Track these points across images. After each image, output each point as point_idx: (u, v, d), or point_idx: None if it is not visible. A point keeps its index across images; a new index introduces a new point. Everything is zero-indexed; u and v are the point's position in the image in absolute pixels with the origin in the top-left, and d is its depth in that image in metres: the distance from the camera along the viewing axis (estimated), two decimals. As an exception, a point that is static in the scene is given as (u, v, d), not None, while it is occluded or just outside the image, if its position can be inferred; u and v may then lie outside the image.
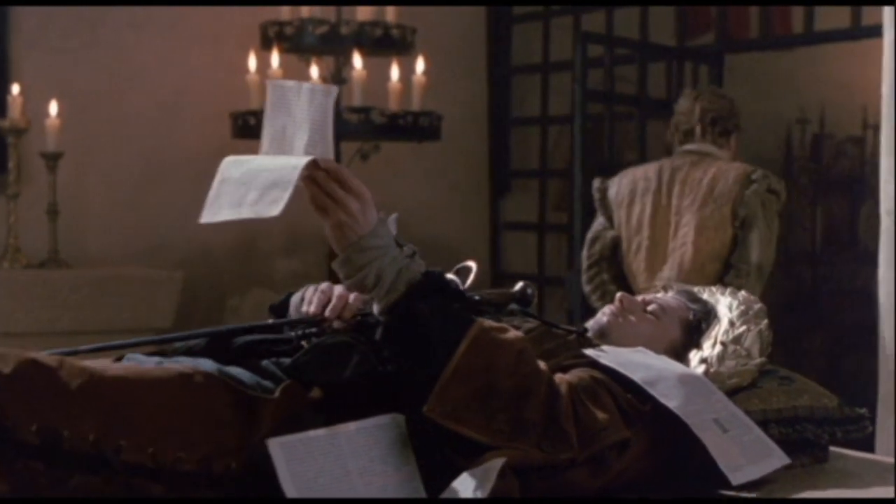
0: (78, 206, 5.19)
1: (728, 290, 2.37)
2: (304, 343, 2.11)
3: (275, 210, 1.87)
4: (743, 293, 2.36)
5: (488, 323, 1.98)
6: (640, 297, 2.40)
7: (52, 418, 1.76)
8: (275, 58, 5.06)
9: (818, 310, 6.89)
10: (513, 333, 1.99)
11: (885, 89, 3.42)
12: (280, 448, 1.80)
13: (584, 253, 4.48)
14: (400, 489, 1.87)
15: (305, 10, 5.13)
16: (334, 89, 2.00)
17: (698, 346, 2.27)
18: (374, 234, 1.94)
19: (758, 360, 2.23)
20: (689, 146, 4.37)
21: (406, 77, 5.21)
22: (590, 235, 4.49)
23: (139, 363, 2.05)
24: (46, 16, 5.26)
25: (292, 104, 2.00)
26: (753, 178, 4.14)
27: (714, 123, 4.33)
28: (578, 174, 4.74)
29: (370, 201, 1.95)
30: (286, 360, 2.05)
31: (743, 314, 2.27)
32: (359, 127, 5.00)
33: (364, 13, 5.14)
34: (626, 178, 4.45)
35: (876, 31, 4.94)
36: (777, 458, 2.08)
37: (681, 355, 2.30)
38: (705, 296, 2.38)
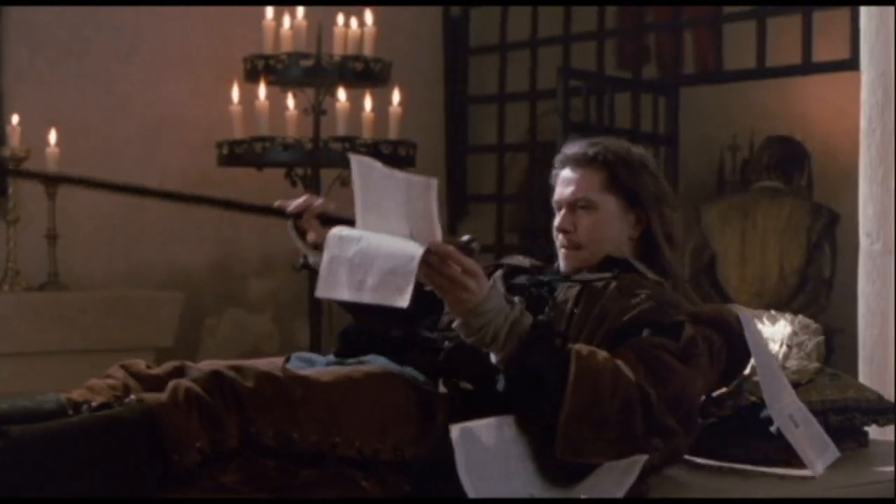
0: (64, 230, 5.38)
1: (788, 314, 2.77)
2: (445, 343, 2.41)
3: (402, 302, 2.08)
4: (801, 317, 2.76)
5: (581, 351, 2.27)
6: (564, 201, 2.67)
7: (284, 424, 2.08)
8: (262, 90, 5.34)
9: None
10: (601, 354, 2.30)
11: (863, 121, 3.82)
12: (460, 433, 2.10)
13: (686, 260, 5.42)
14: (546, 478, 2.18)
15: (286, 42, 5.41)
16: (433, 183, 2.17)
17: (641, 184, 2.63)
18: (488, 299, 2.21)
19: (815, 364, 2.62)
20: (764, 183, 5.63)
21: (380, 107, 5.51)
22: (690, 246, 5.45)
23: (313, 362, 2.35)
24: (36, 48, 5.48)
25: (384, 188, 2.20)
26: (821, 212, 5.53)
27: (778, 166, 5.70)
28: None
29: (482, 275, 2.23)
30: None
31: (805, 328, 2.69)
32: (342, 155, 5.29)
33: (340, 46, 5.45)
34: (714, 207, 5.73)
35: (825, 68, 5.41)
36: (832, 452, 2.44)
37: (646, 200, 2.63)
38: (764, 319, 2.77)
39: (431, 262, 2.16)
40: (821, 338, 2.71)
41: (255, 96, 5.37)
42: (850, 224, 7.95)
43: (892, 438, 2.60)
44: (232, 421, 2.08)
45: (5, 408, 2.29)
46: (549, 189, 2.73)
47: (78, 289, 5.23)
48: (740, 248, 5.59)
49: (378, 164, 2.24)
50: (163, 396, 2.10)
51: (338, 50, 5.43)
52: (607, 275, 2.53)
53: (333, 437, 2.13)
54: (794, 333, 2.67)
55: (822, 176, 7.91)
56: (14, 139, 5.09)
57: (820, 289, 5.43)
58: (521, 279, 2.64)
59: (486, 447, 2.12)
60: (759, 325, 2.76)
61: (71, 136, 5.29)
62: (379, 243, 2.16)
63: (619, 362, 2.31)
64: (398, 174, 2.22)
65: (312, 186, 5.35)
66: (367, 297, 2.13)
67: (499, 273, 2.68)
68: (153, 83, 5.75)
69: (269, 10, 5.41)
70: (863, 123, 3.83)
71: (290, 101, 5.40)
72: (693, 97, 6.70)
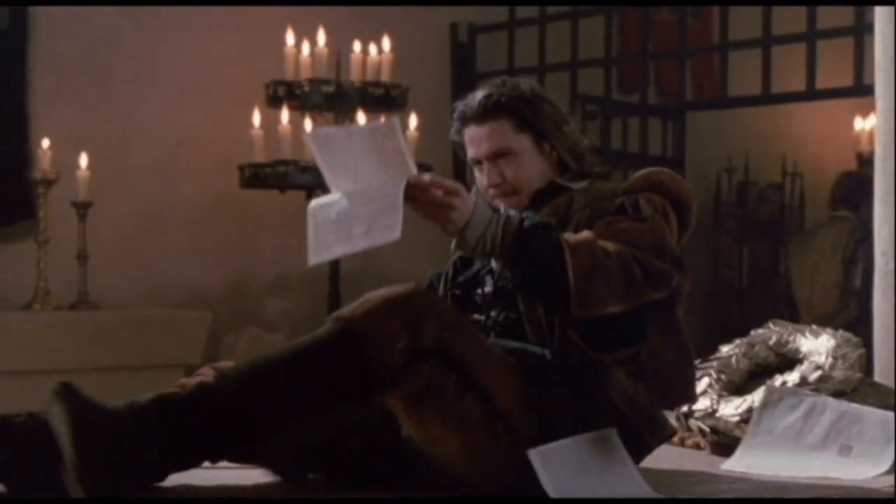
0: (89, 251, 5.50)
1: (829, 329, 2.96)
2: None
3: (393, 234, 2.19)
4: (842, 331, 2.94)
5: (567, 234, 2.45)
6: (483, 156, 2.72)
7: (471, 345, 2.39)
8: (284, 115, 5.50)
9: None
10: (582, 234, 2.47)
11: (878, 148, 4.01)
12: (539, 457, 2.26)
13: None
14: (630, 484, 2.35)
15: (306, 68, 5.58)
16: (395, 122, 2.28)
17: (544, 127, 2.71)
18: (475, 212, 2.35)
19: (859, 374, 2.80)
20: (834, 213, 6.45)
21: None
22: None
23: None
24: (61, 74, 5.61)
25: (349, 148, 2.23)
26: (857, 229, 6.04)
27: (847, 198, 6.34)
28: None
29: (464, 191, 2.38)
30: None
31: (847, 341, 2.86)
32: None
33: (358, 72, 5.62)
34: (795, 238, 7.08)
35: (830, 95, 5.61)
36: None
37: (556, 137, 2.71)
38: (807, 333, 2.95)
39: (413, 194, 2.28)
40: (862, 350, 2.90)
41: (275, 121, 5.53)
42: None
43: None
44: (430, 320, 2.29)
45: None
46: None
47: (105, 308, 5.36)
48: (800, 270, 6.55)
49: (334, 129, 2.36)
50: (357, 308, 2.31)
51: (355, 75, 5.60)
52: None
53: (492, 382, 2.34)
54: (838, 346, 2.86)
55: (814, 195, 8.16)
56: (45, 162, 5.22)
57: (849, 298, 6.08)
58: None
59: (565, 467, 2.27)
60: (802, 339, 2.95)
61: (93, 159, 5.42)
62: (359, 196, 2.23)
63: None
64: (357, 128, 2.37)
65: (331, 208, 5.50)
66: (359, 245, 2.21)
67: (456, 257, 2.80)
68: (172, 108, 5.89)
69: (290, 37, 5.57)
70: (878, 150, 4.02)
71: (309, 125, 5.56)
72: (690, 121, 6.91)
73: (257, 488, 2.45)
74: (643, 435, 2.51)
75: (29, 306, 5.18)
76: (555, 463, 2.26)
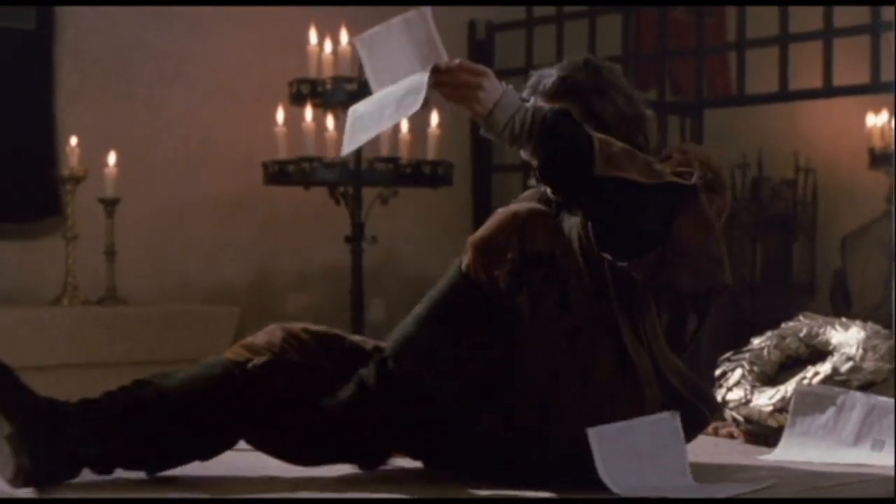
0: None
1: (858, 321, 3.03)
2: None
3: (415, 107, 2.30)
4: (871, 323, 3.02)
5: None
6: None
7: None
8: (308, 112, 5.58)
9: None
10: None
11: (899, 147, 4.11)
12: (596, 435, 2.33)
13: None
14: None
15: (328, 66, 5.66)
16: (426, 10, 2.37)
17: None
18: (504, 96, 2.39)
19: (889, 365, 2.88)
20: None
21: (417, 128, 5.75)
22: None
23: None
24: (86, 72, 5.70)
25: (388, 44, 2.35)
26: None
27: None
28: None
29: (492, 75, 2.44)
30: None
31: (877, 333, 2.95)
32: (386, 175, 5.56)
33: (379, 71, 5.70)
34: (852, 233, 7.26)
35: (846, 92, 5.69)
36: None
37: None
38: (837, 326, 3.03)
39: (442, 80, 2.37)
40: (891, 341, 2.98)
41: (298, 118, 5.61)
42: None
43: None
44: (542, 231, 2.46)
45: (181, 378, 2.55)
46: None
47: (131, 303, 5.44)
48: (854, 262, 7.02)
49: (374, 30, 2.41)
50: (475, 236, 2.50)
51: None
52: None
53: None
54: (868, 338, 2.94)
55: (826, 191, 8.23)
56: (73, 160, 5.31)
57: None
58: None
59: (620, 448, 2.34)
60: (832, 332, 3.03)
61: (119, 157, 5.49)
62: (394, 87, 2.35)
63: None
64: (393, 22, 2.39)
65: (354, 204, 5.59)
66: (386, 123, 2.34)
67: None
68: (196, 106, 5.98)
69: (313, 36, 5.65)
70: (897, 146, 4.11)
71: (331, 123, 5.64)
72: (705, 118, 6.99)
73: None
74: (700, 410, 2.58)
75: (57, 301, 5.27)
76: (611, 443, 2.32)
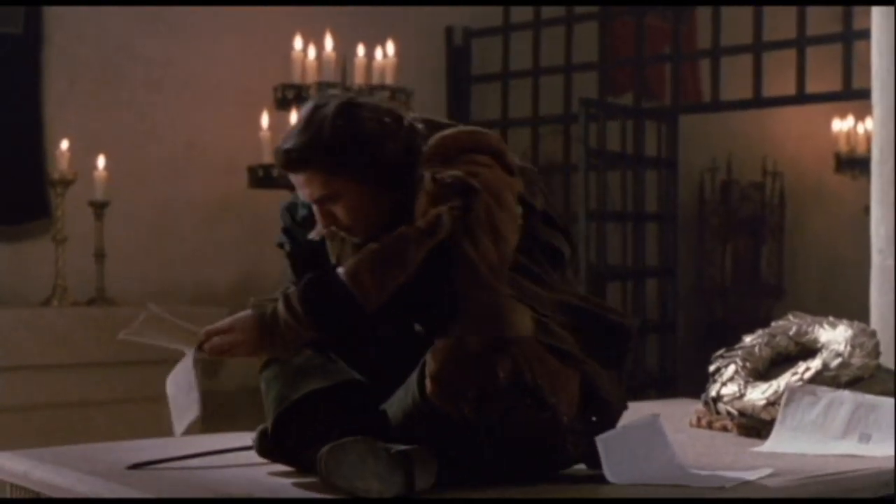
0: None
1: (845, 320, 3.18)
2: None
3: (193, 414, 2.45)
4: (857, 322, 3.17)
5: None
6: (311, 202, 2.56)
7: None
8: (293, 117, 5.68)
9: (729, 337, 7.76)
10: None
11: (875, 151, 4.24)
12: (603, 443, 2.45)
13: None
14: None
15: (312, 72, 5.76)
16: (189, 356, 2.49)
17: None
18: (262, 323, 2.37)
19: (875, 361, 3.04)
20: None
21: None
22: None
23: None
24: (74, 77, 5.78)
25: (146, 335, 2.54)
26: None
27: None
28: (582, 220, 5.56)
29: (230, 325, 2.42)
30: None
31: (863, 331, 3.10)
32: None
33: (362, 76, 5.81)
34: None
35: (819, 99, 5.85)
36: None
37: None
38: (825, 325, 3.17)
39: (203, 357, 2.43)
40: (876, 339, 3.12)
41: (283, 123, 5.70)
42: (818, 239, 8.48)
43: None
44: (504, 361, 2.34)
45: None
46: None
47: (119, 304, 5.52)
48: None
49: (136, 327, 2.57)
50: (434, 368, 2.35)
51: (359, 79, 5.80)
52: None
53: None
54: (855, 335, 3.09)
55: (793, 194, 8.42)
56: (63, 163, 5.39)
57: None
58: None
59: (621, 453, 2.46)
60: (821, 330, 3.18)
61: (106, 160, 5.57)
62: (178, 372, 2.53)
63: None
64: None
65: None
66: (182, 425, 2.48)
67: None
68: (182, 110, 6.07)
69: (298, 42, 5.76)
70: (874, 154, 4.26)
71: (313, 127, 5.74)
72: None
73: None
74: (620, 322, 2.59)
75: (47, 303, 5.35)
76: (615, 449, 2.45)
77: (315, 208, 2.54)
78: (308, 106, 2.56)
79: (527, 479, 2.43)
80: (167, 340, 2.48)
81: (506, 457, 2.40)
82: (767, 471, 2.56)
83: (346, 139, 2.46)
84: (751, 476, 2.51)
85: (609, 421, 2.50)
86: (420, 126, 2.54)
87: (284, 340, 2.36)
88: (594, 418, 2.46)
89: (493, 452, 2.38)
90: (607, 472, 2.43)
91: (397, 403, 2.42)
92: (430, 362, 2.32)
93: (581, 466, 2.51)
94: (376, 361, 2.53)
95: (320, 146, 2.46)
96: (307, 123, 2.49)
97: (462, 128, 2.56)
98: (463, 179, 2.36)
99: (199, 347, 2.43)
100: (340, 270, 2.34)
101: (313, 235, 2.63)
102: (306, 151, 2.46)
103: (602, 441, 2.43)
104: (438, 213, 2.32)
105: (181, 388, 2.48)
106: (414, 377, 2.38)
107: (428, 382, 2.32)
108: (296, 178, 2.52)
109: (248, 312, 2.40)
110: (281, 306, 2.35)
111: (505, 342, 2.31)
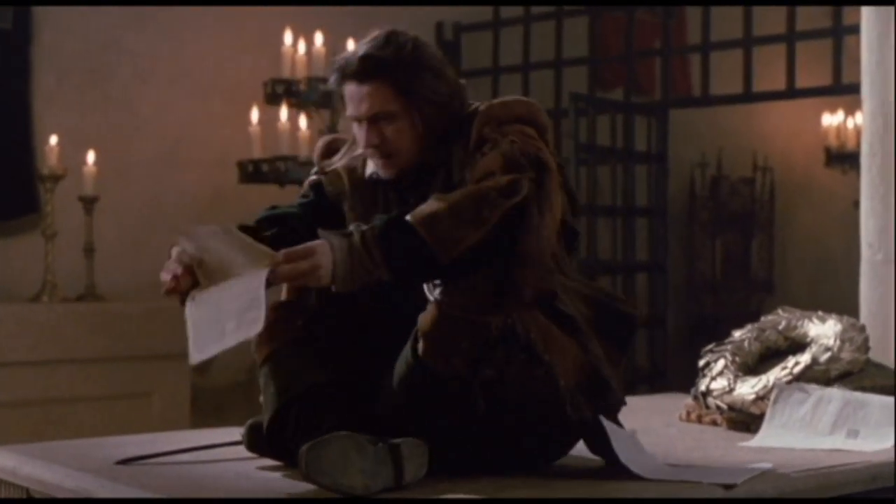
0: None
1: (834, 314, 3.18)
2: None
3: (256, 328, 2.26)
4: (846, 316, 3.18)
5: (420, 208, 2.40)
6: (362, 117, 2.58)
7: None
8: (283, 112, 5.68)
9: (719, 332, 7.77)
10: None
11: (865, 145, 4.25)
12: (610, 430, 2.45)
13: None
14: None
15: (301, 66, 5.76)
16: (221, 227, 2.42)
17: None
18: (336, 253, 2.32)
19: (865, 356, 3.05)
20: None
21: (388, 127, 5.87)
22: None
23: None
24: (63, 73, 5.76)
25: (216, 242, 2.36)
26: None
27: None
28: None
29: (317, 246, 2.33)
30: None
31: (852, 325, 3.11)
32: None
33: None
34: None
35: (809, 93, 5.86)
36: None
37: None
38: (814, 319, 3.18)
39: (275, 276, 2.32)
40: (866, 334, 3.13)
41: (273, 118, 5.71)
42: (807, 233, 8.49)
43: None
44: None
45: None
46: None
47: (109, 299, 5.52)
48: None
49: (202, 228, 2.46)
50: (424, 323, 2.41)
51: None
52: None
53: None
54: (845, 330, 3.10)
55: (783, 189, 8.42)
56: (52, 158, 5.38)
57: None
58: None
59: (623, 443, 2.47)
60: (810, 324, 3.18)
61: (96, 156, 5.57)
62: (226, 290, 2.32)
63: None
64: (211, 230, 2.44)
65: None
66: (230, 341, 2.29)
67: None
68: (171, 106, 6.06)
69: (288, 37, 5.75)
70: (864, 147, 4.26)
71: (303, 122, 5.74)
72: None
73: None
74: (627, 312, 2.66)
75: (37, 298, 5.33)
76: (619, 441, 2.46)
77: (360, 126, 2.58)
78: (383, 30, 2.61)
79: (525, 454, 2.44)
80: (236, 254, 2.36)
81: (503, 420, 2.41)
82: (768, 465, 2.57)
83: (424, 63, 2.55)
84: (756, 469, 2.52)
85: (609, 405, 2.53)
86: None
87: (358, 276, 2.34)
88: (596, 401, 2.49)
89: (489, 415, 2.38)
90: (620, 456, 2.42)
91: (395, 374, 2.45)
92: (421, 322, 2.36)
93: (578, 465, 2.50)
94: (380, 350, 2.53)
95: (401, 60, 2.53)
96: (386, 40, 2.56)
97: (518, 97, 2.65)
98: (538, 154, 2.45)
99: (273, 270, 2.33)
100: (416, 216, 2.36)
101: (341, 157, 2.68)
102: (386, 61, 2.52)
103: (610, 429, 2.43)
104: (517, 179, 2.37)
105: (226, 310, 2.32)
106: (409, 346, 2.41)
107: (420, 342, 2.35)
108: (358, 90, 2.54)
109: (322, 242, 2.36)
110: (357, 241, 2.35)
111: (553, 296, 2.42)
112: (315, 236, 2.39)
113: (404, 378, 2.42)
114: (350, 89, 2.56)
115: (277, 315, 2.59)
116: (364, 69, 2.52)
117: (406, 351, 2.42)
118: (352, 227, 2.39)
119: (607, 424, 2.44)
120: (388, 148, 2.57)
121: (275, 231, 2.67)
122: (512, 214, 2.35)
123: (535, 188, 2.39)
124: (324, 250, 2.33)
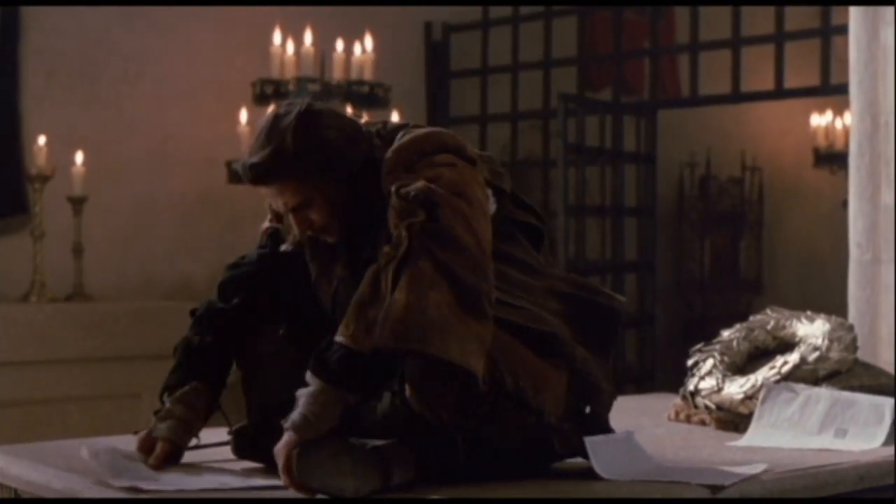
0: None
1: (822, 314, 3.19)
2: None
3: None
4: (834, 316, 3.18)
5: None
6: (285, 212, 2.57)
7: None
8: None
9: (708, 332, 7.78)
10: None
11: (853, 146, 4.26)
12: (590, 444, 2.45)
13: None
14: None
15: (290, 67, 5.76)
16: None
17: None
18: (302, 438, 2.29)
19: (853, 356, 3.05)
20: None
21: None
22: None
23: None
24: (52, 72, 5.76)
25: None
26: None
27: None
28: (561, 215, 5.56)
29: (281, 449, 2.30)
30: None
31: (840, 325, 3.11)
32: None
33: (340, 71, 5.81)
34: None
35: (797, 94, 5.87)
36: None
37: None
38: (803, 318, 3.18)
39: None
40: (854, 333, 3.14)
41: (261, 117, 5.68)
42: (796, 233, 8.51)
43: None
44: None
45: None
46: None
47: (97, 299, 5.51)
48: None
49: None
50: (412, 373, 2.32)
51: (338, 74, 5.79)
52: None
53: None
54: (833, 330, 3.10)
55: (772, 189, 8.44)
56: (40, 158, 5.37)
57: None
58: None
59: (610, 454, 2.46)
60: (798, 324, 3.19)
61: (85, 155, 5.56)
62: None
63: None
64: None
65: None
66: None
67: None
68: (160, 105, 6.06)
69: (277, 37, 5.75)
70: (852, 147, 4.28)
71: (293, 122, 5.73)
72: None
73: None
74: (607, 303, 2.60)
75: (25, 298, 5.33)
76: (602, 450, 2.45)
77: (291, 217, 2.55)
78: (267, 118, 2.55)
79: (511, 477, 2.43)
80: None
81: (489, 460, 2.39)
82: (762, 466, 2.57)
83: (310, 145, 2.45)
84: (748, 472, 2.51)
85: (601, 408, 2.51)
86: (379, 133, 2.56)
87: (320, 429, 2.31)
88: (587, 407, 2.47)
89: (476, 456, 2.36)
90: (597, 468, 2.42)
91: (379, 408, 2.39)
92: (407, 369, 2.31)
93: (576, 463, 2.50)
94: None
95: (285, 156, 2.45)
96: (269, 136, 2.48)
97: (416, 131, 2.52)
98: (423, 190, 2.34)
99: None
100: (339, 334, 2.32)
101: (287, 245, 2.67)
102: (272, 163, 2.45)
103: (589, 442, 2.43)
104: (399, 234, 2.31)
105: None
106: (396, 385, 2.36)
107: (407, 387, 2.31)
108: (267, 191, 2.52)
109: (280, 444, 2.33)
110: (313, 392, 2.32)
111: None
112: (278, 294, 2.55)
113: (389, 414, 2.36)
114: (262, 190, 2.53)
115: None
116: (256, 177, 2.48)
117: (395, 387, 2.35)
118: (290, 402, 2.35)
119: (591, 443, 2.44)
120: (320, 228, 2.54)
121: (237, 301, 2.74)
122: (398, 269, 2.28)
123: (426, 226, 2.29)
124: (288, 450, 2.29)
